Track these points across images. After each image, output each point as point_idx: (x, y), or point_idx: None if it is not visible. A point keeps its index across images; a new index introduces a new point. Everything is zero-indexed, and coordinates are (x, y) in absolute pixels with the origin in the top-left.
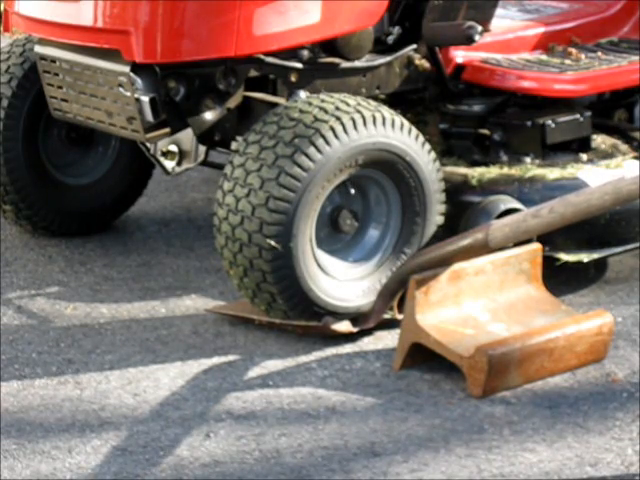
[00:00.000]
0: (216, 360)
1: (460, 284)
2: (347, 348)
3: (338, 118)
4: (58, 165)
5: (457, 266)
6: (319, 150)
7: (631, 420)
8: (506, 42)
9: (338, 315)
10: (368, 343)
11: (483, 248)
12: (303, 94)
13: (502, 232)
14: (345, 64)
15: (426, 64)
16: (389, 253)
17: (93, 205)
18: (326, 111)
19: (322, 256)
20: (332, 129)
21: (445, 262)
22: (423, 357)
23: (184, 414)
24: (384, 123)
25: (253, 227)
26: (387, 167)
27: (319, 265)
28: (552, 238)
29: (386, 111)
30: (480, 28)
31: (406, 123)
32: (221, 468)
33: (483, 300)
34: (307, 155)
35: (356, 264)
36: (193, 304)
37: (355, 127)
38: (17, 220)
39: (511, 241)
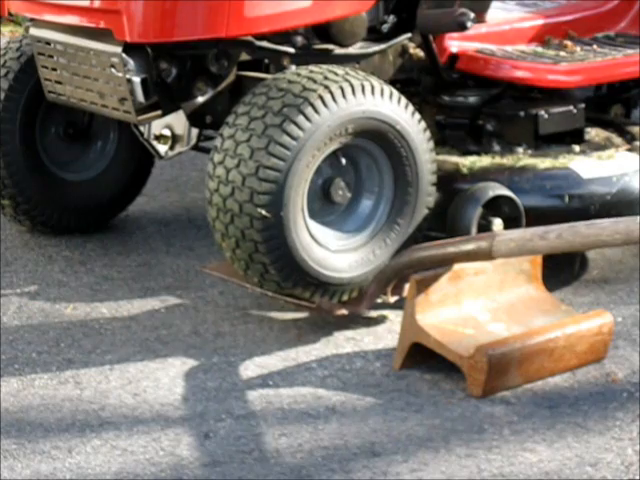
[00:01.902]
0: (216, 360)
1: (460, 284)
2: (347, 348)
3: (326, 87)
4: (56, 160)
5: (457, 266)
6: (308, 119)
7: (631, 420)
8: (502, 33)
9: (331, 286)
10: (368, 343)
11: (485, 256)
12: (293, 67)
13: (507, 246)
14: (338, 50)
15: (420, 53)
16: (382, 223)
17: (92, 201)
18: (314, 81)
19: (315, 227)
20: (321, 98)
21: (445, 262)
22: (423, 357)
23: (184, 414)
24: (373, 92)
25: (244, 197)
26: (378, 136)
27: (312, 236)
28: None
29: (375, 80)
30: (472, 15)
31: (395, 92)
32: (221, 468)
33: (483, 300)
34: (296, 124)
35: (349, 235)
36: (193, 304)
37: (344, 95)
38: (15, 215)
39: (514, 256)
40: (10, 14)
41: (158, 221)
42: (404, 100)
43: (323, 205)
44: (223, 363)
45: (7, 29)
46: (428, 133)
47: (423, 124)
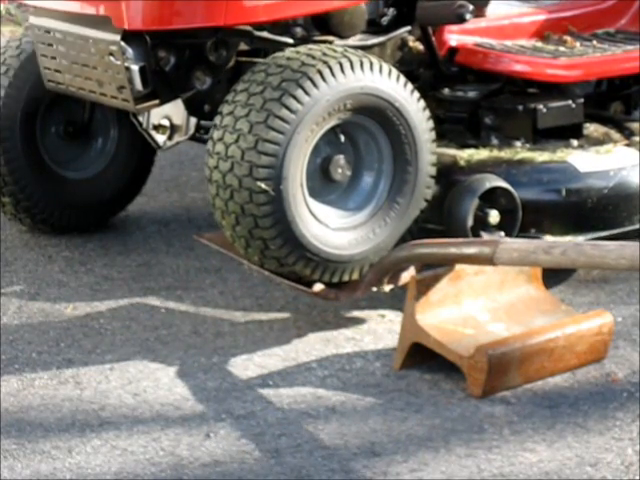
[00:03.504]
0: (216, 360)
1: (460, 284)
2: (347, 348)
3: (325, 62)
4: (56, 158)
5: (457, 266)
6: (307, 92)
7: (631, 420)
8: (502, 28)
9: (331, 263)
10: (368, 343)
11: (486, 262)
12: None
13: (509, 255)
14: (338, 42)
15: (420, 46)
16: (382, 202)
17: (92, 199)
18: (313, 57)
19: (315, 205)
20: (319, 72)
21: (445, 262)
22: (423, 357)
23: (184, 414)
24: (372, 68)
25: (243, 171)
26: (376, 113)
27: (312, 213)
28: (538, 220)
29: (374, 58)
30: (471, 7)
31: (394, 70)
32: (221, 468)
33: (483, 300)
34: (295, 97)
35: (350, 213)
36: (193, 304)
37: (342, 71)
38: (16, 213)
39: (515, 265)
40: (10, 13)
41: (158, 221)
42: (403, 78)
43: (323, 184)
44: (223, 363)
45: (7, 29)
46: (428, 112)
47: (422, 103)
